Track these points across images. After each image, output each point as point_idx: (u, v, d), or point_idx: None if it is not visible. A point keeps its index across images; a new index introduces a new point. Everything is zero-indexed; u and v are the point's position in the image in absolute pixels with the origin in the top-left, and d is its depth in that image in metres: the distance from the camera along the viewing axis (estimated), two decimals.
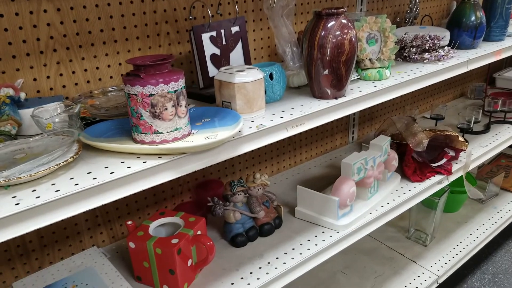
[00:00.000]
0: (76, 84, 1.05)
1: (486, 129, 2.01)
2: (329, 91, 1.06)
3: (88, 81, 1.07)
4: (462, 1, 1.56)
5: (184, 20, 1.21)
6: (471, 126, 1.86)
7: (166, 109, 0.77)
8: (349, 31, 1.00)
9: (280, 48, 1.40)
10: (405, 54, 1.43)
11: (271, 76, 1.04)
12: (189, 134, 0.84)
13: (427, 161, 1.62)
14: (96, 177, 0.70)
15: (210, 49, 1.10)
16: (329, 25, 0.99)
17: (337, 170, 1.72)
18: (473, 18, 1.53)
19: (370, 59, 1.26)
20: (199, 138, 0.82)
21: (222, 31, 1.13)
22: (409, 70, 1.32)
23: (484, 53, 1.49)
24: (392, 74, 1.28)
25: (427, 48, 1.42)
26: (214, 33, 1.11)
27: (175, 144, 0.79)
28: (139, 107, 0.77)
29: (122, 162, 0.76)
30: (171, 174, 0.76)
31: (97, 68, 1.08)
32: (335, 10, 0.99)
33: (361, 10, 1.72)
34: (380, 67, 1.25)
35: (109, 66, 1.10)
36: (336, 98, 1.07)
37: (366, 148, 1.50)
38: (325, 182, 1.58)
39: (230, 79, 0.92)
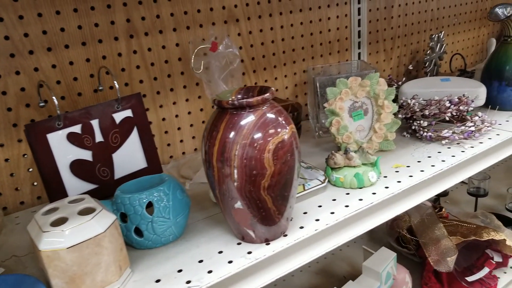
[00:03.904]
0: None
1: None
2: (251, 233, 0.60)
3: None
4: (503, 42, 1.05)
5: (61, 98, 0.81)
6: None
7: None
8: (278, 132, 0.55)
9: None
10: (414, 127, 0.95)
11: (150, 208, 0.60)
12: None
13: (458, 273, 1.10)
14: None
15: (68, 154, 0.69)
16: (237, 126, 0.55)
17: (333, 278, 1.23)
18: None
19: (346, 151, 0.79)
20: None
21: (95, 122, 0.71)
22: (416, 161, 0.83)
23: None
24: (386, 171, 0.80)
25: (447, 118, 0.93)
26: (77, 128, 0.69)
27: None
28: None
29: None
30: None
31: None
32: (249, 100, 0.54)
33: (359, 56, 1.25)
34: (363, 164, 0.78)
35: None
36: (267, 241, 0.61)
37: (368, 256, 1.01)
38: None
39: (37, 239, 0.50)
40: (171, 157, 0.97)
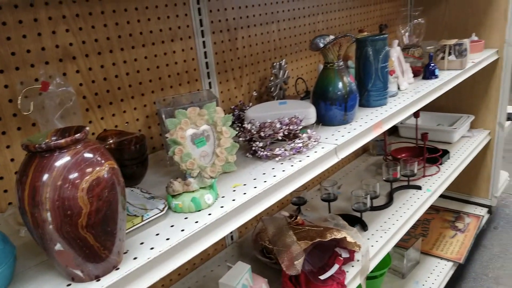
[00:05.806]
0: None
1: (389, 201, 1.69)
2: (79, 272, 0.60)
3: None
4: (324, 67, 1.23)
5: None
6: (367, 206, 1.51)
7: None
8: (92, 170, 0.57)
9: None
10: (254, 148, 1.04)
11: None
12: None
13: (314, 274, 1.22)
14: None
15: None
16: (47, 168, 0.55)
17: None
18: (340, 86, 1.20)
19: (185, 178, 0.84)
20: None
21: None
22: (252, 179, 0.92)
23: (359, 131, 1.14)
24: (226, 191, 0.87)
25: (280, 138, 1.05)
26: None
27: None
28: None
29: None
30: None
31: None
32: (58, 141, 0.56)
33: (210, 85, 1.33)
34: (202, 188, 0.83)
35: None
36: (98, 278, 0.62)
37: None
38: None
39: None
40: (10, 203, 0.91)
